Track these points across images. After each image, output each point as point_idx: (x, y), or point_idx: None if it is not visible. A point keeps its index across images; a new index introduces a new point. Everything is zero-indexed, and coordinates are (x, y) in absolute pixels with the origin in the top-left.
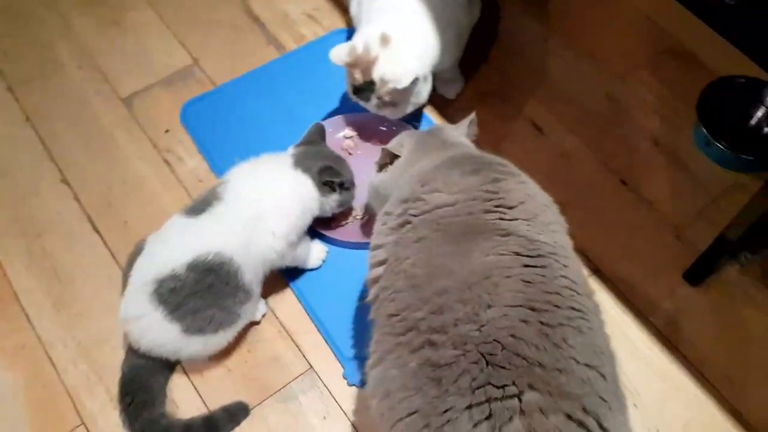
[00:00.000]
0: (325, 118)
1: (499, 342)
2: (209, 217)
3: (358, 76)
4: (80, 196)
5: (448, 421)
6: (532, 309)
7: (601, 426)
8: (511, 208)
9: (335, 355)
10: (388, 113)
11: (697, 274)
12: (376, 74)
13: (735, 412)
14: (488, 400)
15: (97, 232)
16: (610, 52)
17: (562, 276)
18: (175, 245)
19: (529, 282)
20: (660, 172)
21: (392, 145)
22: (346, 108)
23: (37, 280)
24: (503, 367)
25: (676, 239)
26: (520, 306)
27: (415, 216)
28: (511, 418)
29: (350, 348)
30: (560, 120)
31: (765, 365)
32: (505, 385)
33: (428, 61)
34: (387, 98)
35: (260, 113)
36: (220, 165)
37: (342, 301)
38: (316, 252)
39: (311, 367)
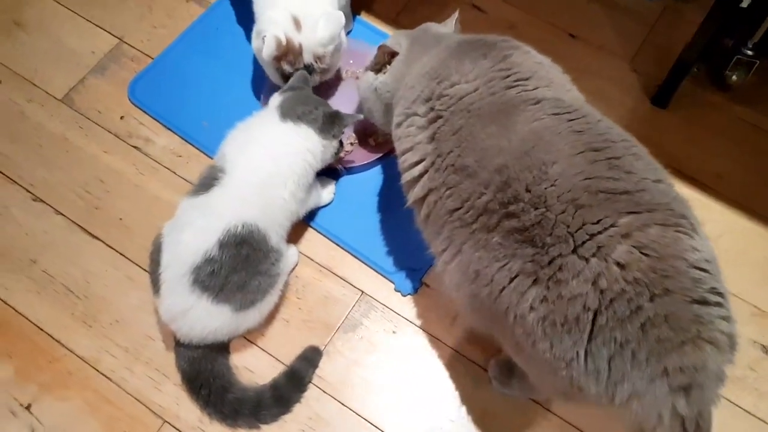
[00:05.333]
0: None
1: (578, 187)
2: (220, 191)
3: (288, 67)
4: (60, 208)
5: (559, 268)
6: (595, 150)
7: (691, 224)
8: (527, 78)
9: (380, 273)
10: (326, 77)
11: (664, 97)
12: (308, 56)
13: (735, 202)
14: (591, 236)
15: (96, 237)
16: None
17: (600, 120)
18: (199, 228)
19: (580, 131)
20: (599, 17)
21: (390, 42)
22: None
23: (53, 305)
24: (591, 206)
25: (634, 72)
26: (582, 152)
27: (443, 110)
28: (615, 245)
29: (390, 262)
30: (498, 4)
31: (738, 153)
32: (599, 219)
33: (337, 12)
34: (324, 66)
35: (206, 69)
36: (189, 132)
37: (364, 222)
38: (326, 190)
39: (363, 292)
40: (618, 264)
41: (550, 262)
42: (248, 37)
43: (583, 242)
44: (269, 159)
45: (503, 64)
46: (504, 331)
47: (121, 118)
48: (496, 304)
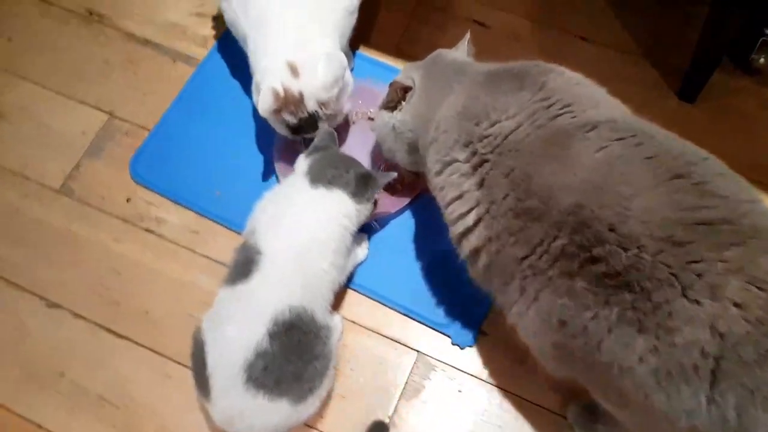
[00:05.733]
0: None
1: (670, 221)
2: (260, 276)
3: (290, 117)
4: (79, 310)
5: (669, 314)
6: (677, 176)
7: None
8: (571, 104)
9: (432, 328)
10: (335, 122)
11: (692, 90)
12: (311, 104)
13: None
14: (699, 276)
15: (122, 336)
16: None
17: (666, 135)
18: (244, 320)
19: (652, 156)
20: (607, 16)
21: (401, 77)
22: None
23: (88, 419)
24: (691, 242)
25: (654, 68)
26: (664, 180)
27: (488, 153)
28: (727, 282)
29: (441, 314)
30: (496, 7)
31: None
32: (704, 256)
33: (338, 52)
34: (331, 112)
35: (209, 133)
36: (203, 205)
37: (404, 273)
38: (360, 247)
39: (418, 351)
40: (735, 304)
41: (655, 309)
42: (246, 91)
43: (691, 283)
44: (304, 231)
45: (542, 93)
46: (602, 382)
47: (128, 200)
48: (594, 356)
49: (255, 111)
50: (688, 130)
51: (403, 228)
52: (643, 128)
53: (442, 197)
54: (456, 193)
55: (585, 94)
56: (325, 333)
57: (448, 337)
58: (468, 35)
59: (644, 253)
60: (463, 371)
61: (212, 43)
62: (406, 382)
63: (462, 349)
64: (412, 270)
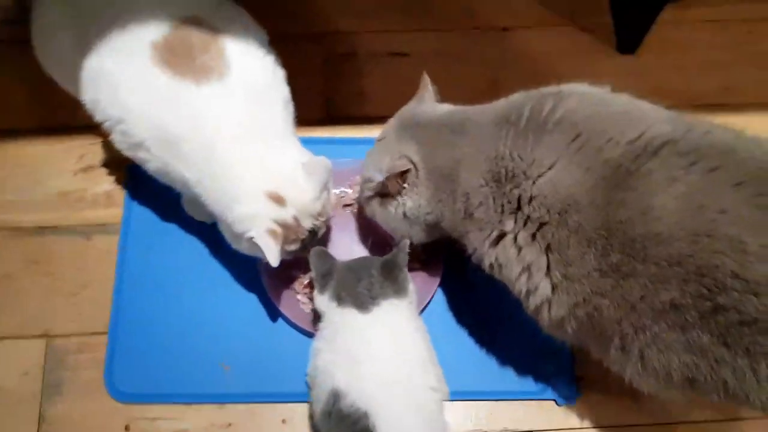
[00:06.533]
0: None
1: None
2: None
3: (293, 246)
4: None
5: None
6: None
7: None
8: (606, 130)
9: (532, 399)
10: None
11: (628, 41)
12: (307, 222)
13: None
14: None
15: None
16: None
17: (728, 136)
18: None
19: (739, 183)
20: (520, 1)
21: (393, 164)
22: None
23: None
24: None
25: (584, 32)
26: (760, 205)
27: (546, 215)
28: None
29: (531, 381)
30: (407, 29)
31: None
32: None
33: (310, 156)
34: (325, 218)
35: (176, 302)
36: (215, 391)
37: (467, 358)
38: None
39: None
40: None
41: None
42: (195, 228)
43: None
44: (393, 361)
45: (571, 130)
46: None
47: (126, 428)
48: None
49: (222, 243)
50: (642, 81)
51: (436, 311)
52: (703, 141)
53: (504, 275)
54: (520, 267)
55: (611, 111)
56: None
57: (552, 400)
58: (426, 78)
59: None
60: (584, 428)
61: (120, 195)
62: None
63: (572, 405)
64: (472, 350)
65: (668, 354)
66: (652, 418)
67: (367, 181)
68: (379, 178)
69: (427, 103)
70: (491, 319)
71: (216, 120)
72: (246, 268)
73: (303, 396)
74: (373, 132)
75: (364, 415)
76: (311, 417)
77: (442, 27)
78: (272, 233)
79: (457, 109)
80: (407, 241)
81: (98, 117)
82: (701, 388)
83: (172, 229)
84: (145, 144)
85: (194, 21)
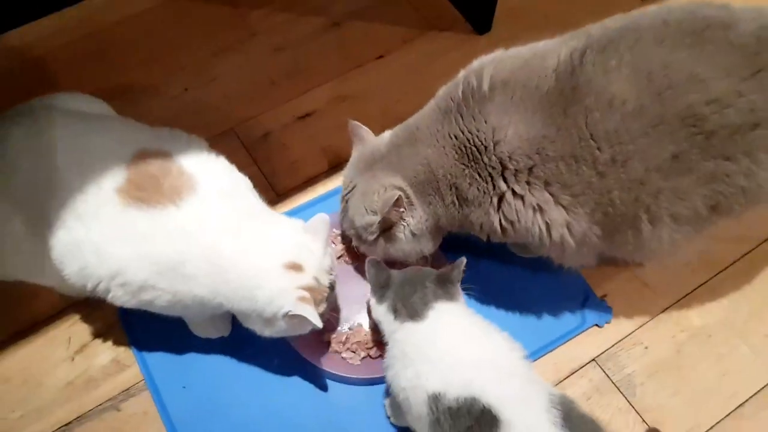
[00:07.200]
0: None
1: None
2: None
3: (322, 307)
4: None
5: None
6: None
7: None
8: (529, 73)
9: (574, 336)
10: None
11: (480, 20)
12: (324, 278)
13: None
14: None
15: None
16: None
17: (614, 25)
18: None
19: (640, 38)
20: None
21: (385, 198)
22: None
23: None
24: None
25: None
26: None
27: (528, 160)
28: None
29: (567, 319)
30: (310, 97)
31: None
32: None
33: (299, 221)
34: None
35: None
36: None
37: (515, 317)
38: None
39: (593, 359)
40: None
41: None
42: (213, 346)
43: None
44: (469, 342)
45: (505, 87)
46: None
47: None
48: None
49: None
50: (510, 44)
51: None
52: (607, 33)
53: (520, 228)
54: (530, 210)
55: (527, 59)
56: None
57: (593, 326)
58: (353, 122)
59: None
60: (629, 334)
61: (127, 354)
62: (616, 382)
63: (609, 322)
64: (506, 320)
65: (690, 197)
66: (671, 297)
67: (364, 228)
68: (377, 218)
69: (370, 139)
70: (505, 289)
71: (207, 227)
72: (282, 353)
73: None
74: (322, 188)
75: (474, 400)
76: None
77: (329, 78)
78: (304, 300)
79: (400, 127)
80: (464, 259)
81: (90, 284)
82: (725, 208)
83: (195, 356)
84: (149, 283)
85: (143, 155)
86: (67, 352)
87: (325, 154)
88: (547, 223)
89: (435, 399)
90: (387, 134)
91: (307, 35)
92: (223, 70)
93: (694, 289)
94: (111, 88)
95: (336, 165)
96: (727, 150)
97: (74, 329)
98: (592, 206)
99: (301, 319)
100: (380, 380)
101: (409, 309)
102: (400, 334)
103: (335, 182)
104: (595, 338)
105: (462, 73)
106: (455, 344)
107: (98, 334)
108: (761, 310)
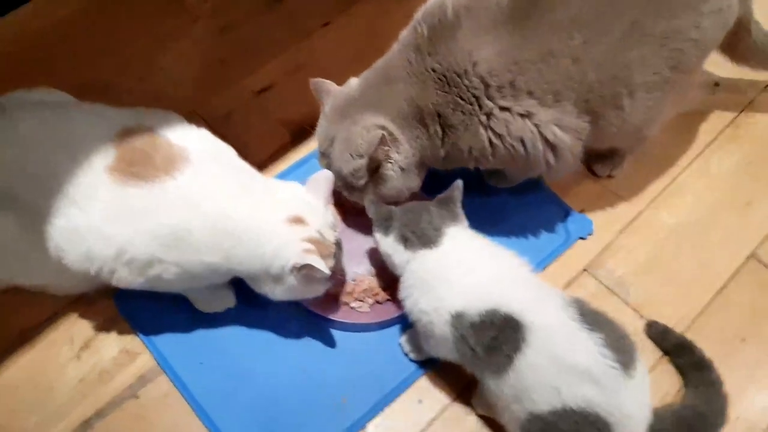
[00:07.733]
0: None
1: None
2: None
3: (331, 262)
4: None
5: None
6: None
7: None
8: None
9: (565, 251)
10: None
11: None
12: (330, 235)
13: None
14: None
15: None
16: None
17: None
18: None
19: None
20: None
21: (368, 139)
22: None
23: None
24: None
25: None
26: None
27: (508, 73)
28: None
29: (554, 236)
30: (268, 71)
31: None
32: None
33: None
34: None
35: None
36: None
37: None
38: None
39: (585, 270)
40: None
41: None
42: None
43: None
44: (481, 261)
45: (468, 13)
46: None
47: None
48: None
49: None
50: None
51: None
52: None
53: (511, 138)
54: (519, 116)
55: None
56: None
57: (578, 239)
58: (314, 80)
59: None
60: (613, 241)
61: (135, 341)
62: (609, 286)
63: (592, 234)
64: (496, 238)
65: (655, 62)
66: (641, 203)
67: (352, 174)
68: (364, 161)
69: (337, 90)
70: (488, 221)
71: (208, 194)
72: (293, 314)
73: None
74: (295, 155)
75: (495, 311)
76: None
77: (280, 51)
78: (309, 251)
79: (369, 71)
80: (460, 181)
81: (94, 266)
82: (684, 64)
83: (205, 332)
84: (156, 256)
85: (126, 132)
86: (72, 351)
87: (288, 125)
88: (537, 125)
89: (458, 317)
90: (354, 81)
91: (249, 13)
92: (172, 57)
93: (660, 192)
94: (65, 89)
95: (300, 134)
96: (673, 8)
97: (74, 328)
98: (574, 97)
99: (309, 271)
100: (392, 322)
101: (422, 237)
102: (415, 263)
103: (309, 147)
104: (582, 250)
105: (419, 13)
106: (471, 264)
107: (100, 329)
108: (722, 201)
